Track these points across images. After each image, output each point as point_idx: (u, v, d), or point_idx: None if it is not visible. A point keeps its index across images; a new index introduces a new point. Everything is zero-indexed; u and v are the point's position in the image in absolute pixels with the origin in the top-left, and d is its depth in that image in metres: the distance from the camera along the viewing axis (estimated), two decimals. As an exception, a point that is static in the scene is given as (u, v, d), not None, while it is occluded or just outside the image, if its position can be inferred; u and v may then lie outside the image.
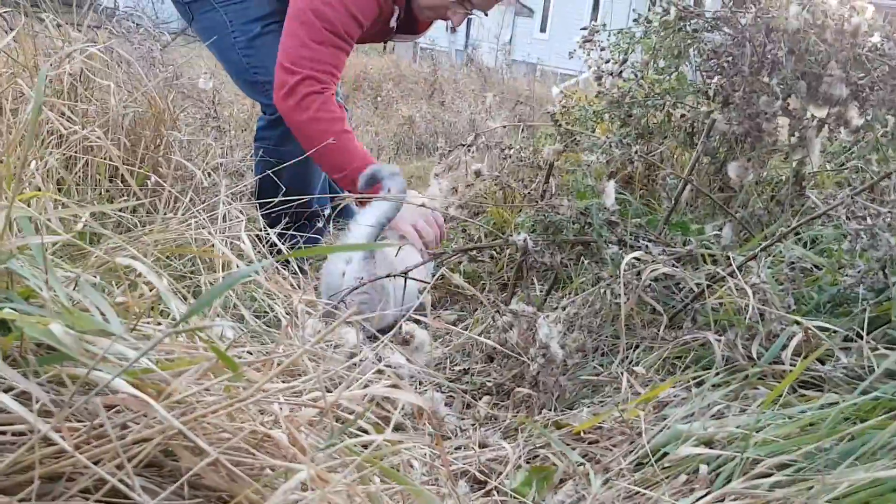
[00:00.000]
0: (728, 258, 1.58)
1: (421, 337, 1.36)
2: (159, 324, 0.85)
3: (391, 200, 1.61)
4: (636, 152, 1.59)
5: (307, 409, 0.75)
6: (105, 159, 1.81)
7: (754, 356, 1.22)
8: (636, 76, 2.09)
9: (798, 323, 1.21)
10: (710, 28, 1.69)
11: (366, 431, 0.82)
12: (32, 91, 1.46)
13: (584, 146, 1.78)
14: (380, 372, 0.92)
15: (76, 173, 1.68)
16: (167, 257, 1.34)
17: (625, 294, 1.36)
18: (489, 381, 1.53)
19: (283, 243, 1.83)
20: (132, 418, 0.67)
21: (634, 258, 1.51)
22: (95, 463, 0.63)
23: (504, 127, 3.43)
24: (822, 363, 1.21)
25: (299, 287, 1.59)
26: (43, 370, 0.71)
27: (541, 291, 1.79)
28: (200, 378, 0.69)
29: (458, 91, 9.89)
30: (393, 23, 2.38)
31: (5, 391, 0.68)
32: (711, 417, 1.10)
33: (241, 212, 1.49)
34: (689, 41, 1.77)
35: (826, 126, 1.74)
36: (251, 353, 1.15)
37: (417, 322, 2.02)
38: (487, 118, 8.38)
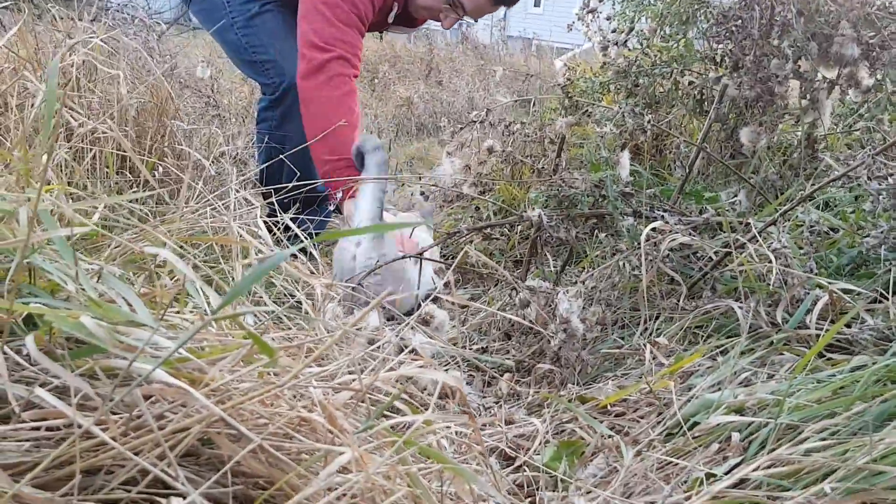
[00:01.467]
0: (746, 224, 1.57)
1: (441, 317, 1.35)
2: (190, 312, 0.84)
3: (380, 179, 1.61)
4: (649, 121, 1.57)
5: (342, 392, 0.74)
6: (114, 150, 1.80)
7: (779, 322, 1.21)
8: (642, 45, 2.07)
9: (821, 287, 1.20)
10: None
11: (397, 411, 0.82)
12: (40, 85, 1.44)
13: (595, 117, 1.76)
14: (407, 352, 0.92)
15: (84, 166, 1.67)
16: (182, 247, 1.33)
17: (643, 265, 1.35)
18: (509, 359, 1.52)
19: (295, 229, 1.84)
20: (169, 408, 0.66)
21: (651, 229, 1.50)
22: (136, 454, 0.63)
23: (509, 103, 3.39)
24: (848, 326, 1.20)
25: (317, 271, 1.58)
26: (75, 364, 0.70)
27: (555, 266, 1.78)
28: (235, 366, 0.68)
29: (454, 70, 9.83)
30: (391, 18, 2.39)
31: (37, 385, 0.68)
32: (739, 385, 1.09)
33: (250, 199, 1.48)
34: (696, 6, 1.74)
35: (837, 87, 1.72)
36: (274, 340, 1.15)
37: (436, 301, 2.03)
38: (492, 94, 8.34)
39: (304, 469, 0.66)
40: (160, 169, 2.02)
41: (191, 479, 0.67)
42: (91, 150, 1.80)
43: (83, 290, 0.78)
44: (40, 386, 0.66)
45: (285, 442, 0.67)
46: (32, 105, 1.70)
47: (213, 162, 2.29)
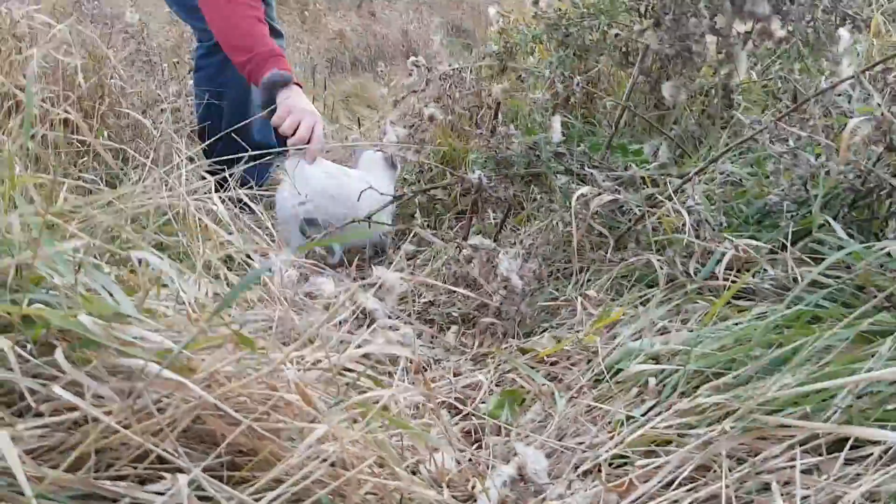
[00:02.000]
0: (665, 180, 1.71)
1: (391, 279, 1.46)
2: (169, 301, 0.94)
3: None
4: (578, 83, 1.67)
5: (313, 371, 0.85)
6: (60, 117, 1.82)
7: (692, 273, 1.36)
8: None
9: (730, 240, 1.34)
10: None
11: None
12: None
13: (528, 83, 1.86)
14: (367, 327, 1.03)
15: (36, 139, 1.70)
16: (142, 223, 1.40)
17: (574, 225, 1.47)
18: (454, 312, 1.65)
19: (233, 183, 1.94)
20: (163, 395, 0.76)
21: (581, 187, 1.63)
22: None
23: (443, 45, 3.46)
24: (753, 276, 1.35)
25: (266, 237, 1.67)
26: (75, 356, 0.79)
27: (494, 221, 1.90)
28: (217, 354, 0.79)
29: (387, 2, 9.68)
30: None
31: (34, 377, 0.77)
32: (658, 333, 1.24)
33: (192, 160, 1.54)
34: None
35: (751, 41, 1.84)
36: (244, 324, 1.25)
37: (382, 252, 2.14)
38: (426, 25, 8.23)
39: (285, 441, 0.77)
40: (105, 134, 2.05)
41: (187, 454, 0.77)
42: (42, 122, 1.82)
43: (72, 285, 0.86)
44: (47, 379, 0.75)
45: (268, 422, 0.78)
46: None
47: (153, 121, 2.32)
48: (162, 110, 2.40)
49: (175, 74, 4.10)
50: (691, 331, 1.20)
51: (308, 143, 1.93)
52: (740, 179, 1.71)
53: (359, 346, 0.89)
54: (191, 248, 1.33)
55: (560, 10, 2.21)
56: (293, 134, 1.99)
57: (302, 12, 9.03)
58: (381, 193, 1.78)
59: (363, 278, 1.78)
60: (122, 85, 2.33)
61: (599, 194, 1.50)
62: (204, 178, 1.74)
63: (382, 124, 2.19)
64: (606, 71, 2.37)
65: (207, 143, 2.55)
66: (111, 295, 0.84)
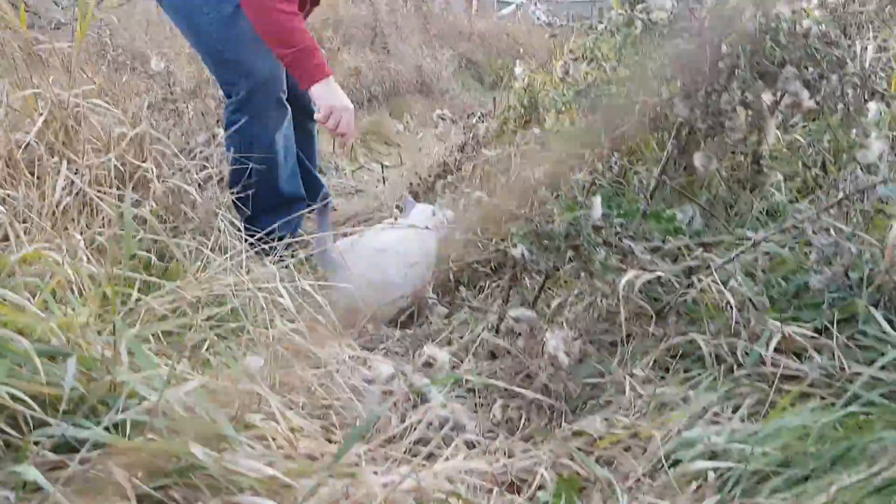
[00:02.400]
0: (703, 246, 1.76)
1: (441, 358, 1.51)
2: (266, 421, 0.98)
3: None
4: (615, 162, 1.73)
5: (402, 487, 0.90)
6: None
7: (739, 357, 1.40)
8: (601, 66, 2.23)
9: (775, 325, 1.38)
10: (671, 36, 1.81)
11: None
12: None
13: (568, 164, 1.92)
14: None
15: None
16: (204, 307, 1.44)
17: (617, 303, 1.52)
18: (499, 382, 1.69)
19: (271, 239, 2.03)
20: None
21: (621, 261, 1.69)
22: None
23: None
24: (799, 356, 1.39)
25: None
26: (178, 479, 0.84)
27: (532, 286, 1.95)
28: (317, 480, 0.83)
29: (401, 35, 9.80)
30: None
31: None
32: (711, 420, 1.28)
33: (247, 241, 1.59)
34: (652, 48, 1.89)
35: (779, 114, 1.89)
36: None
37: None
38: (440, 62, 8.33)
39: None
40: (151, 207, 2.10)
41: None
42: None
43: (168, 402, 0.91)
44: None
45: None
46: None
47: (198, 185, 2.37)
48: (209, 177, 2.45)
49: (204, 123, 4.17)
50: (743, 420, 1.24)
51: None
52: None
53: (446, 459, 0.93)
54: (255, 337, 1.37)
55: (587, 76, 2.28)
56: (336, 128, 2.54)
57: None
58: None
59: (407, 347, 1.83)
60: (162, 150, 2.40)
61: (643, 271, 1.54)
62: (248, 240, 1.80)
63: (404, 198, 2.30)
64: (631, 133, 2.42)
65: (237, 194, 2.64)
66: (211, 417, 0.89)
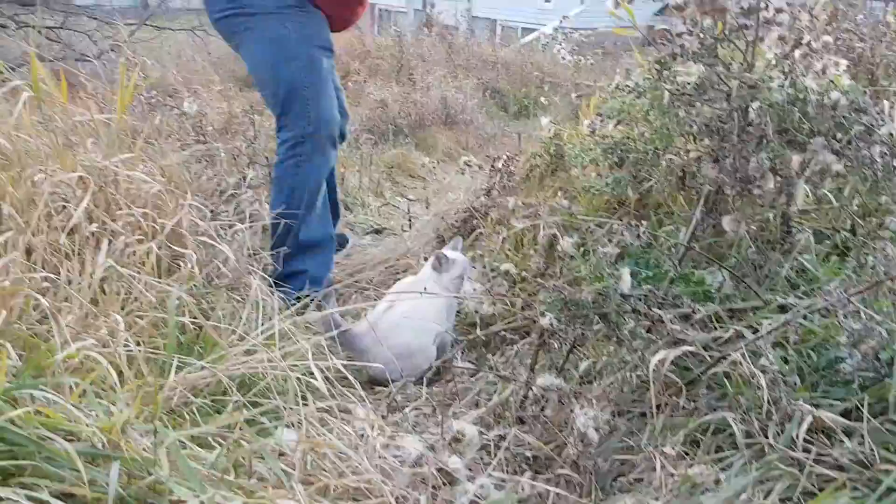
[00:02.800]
0: (732, 313, 1.76)
1: (471, 434, 1.52)
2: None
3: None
4: (644, 231, 1.74)
5: None
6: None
7: (770, 439, 1.40)
8: (629, 125, 2.24)
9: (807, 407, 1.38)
10: (700, 102, 1.83)
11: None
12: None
13: (595, 237, 1.93)
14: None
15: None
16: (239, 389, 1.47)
17: (648, 376, 1.52)
18: (526, 451, 1.70)
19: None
20: None
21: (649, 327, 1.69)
22: None
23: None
24: (829, 437, 1.39)
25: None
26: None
27: (560, 348, 1.96)
28: None
29: (426, 67, 9.89)
30: None
31: None
32: (741, 507, 1.27)
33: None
34: (679, 108, 1.91)
35: (808, 180, 1.89)
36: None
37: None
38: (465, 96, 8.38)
39: None
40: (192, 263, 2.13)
41: None
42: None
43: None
44: None
45: None
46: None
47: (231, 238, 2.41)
48: (234, 234, 2.49)
49: (235, 165, 4.23)
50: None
51: None
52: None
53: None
54: (286, 412, 1.40)
55: (614, 136, 2.29)
56: None
57: (342, 79, 9.24)
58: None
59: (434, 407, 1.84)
60: (197, 206, 2.44)
61: (673, 345, 1.55)
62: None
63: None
64: (659, 188, 2.43)
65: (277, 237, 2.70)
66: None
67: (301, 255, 2.75)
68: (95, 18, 8.95)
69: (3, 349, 1.01)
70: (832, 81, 1.73)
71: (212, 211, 3.80)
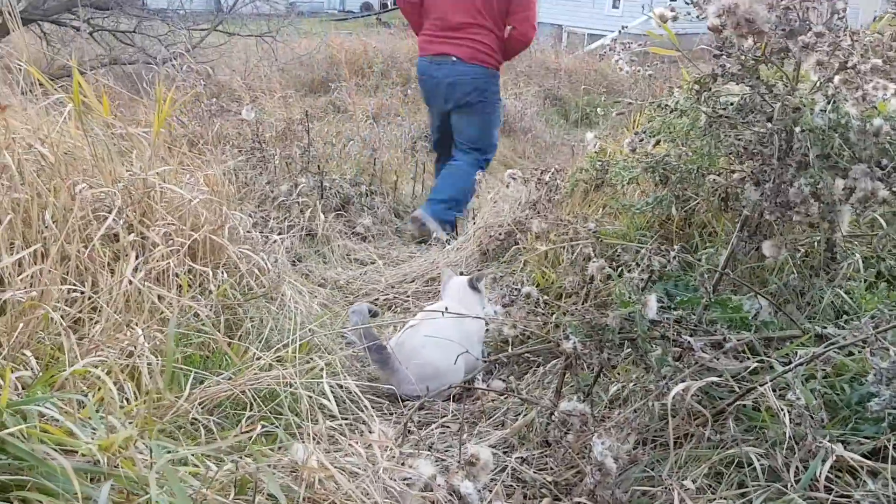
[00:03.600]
0: (767, 342, 1.71)
1: (485, 457, 1.51)
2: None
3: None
4: (675, 255, 1.70)
5: None
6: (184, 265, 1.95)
7: (792, 475, 1.35)
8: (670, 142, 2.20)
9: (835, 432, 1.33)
10: (740, 124, 1.78)
11: None
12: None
13: (623, 259, 1.90)
14: None
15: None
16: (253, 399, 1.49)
17: (671, 418, 1.49)
18: (547, 476, 1.68)
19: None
20: None
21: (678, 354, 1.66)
22: None
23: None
24: (853, 475, 1.34)
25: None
26: None
27: (589, 371, 1.93)
28: None
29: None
30: None
31: None
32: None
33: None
34: (718, 129, 1.86)
35: (852, 206, 1.82)
36: None
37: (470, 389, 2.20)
38: (522, 107, 8.33)
39: None
40: (224, 276, 2.17)
41: None
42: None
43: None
44: None
45: None
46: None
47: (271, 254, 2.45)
48: (275, 244, 2.53)
49: (288, 172, 4.30)
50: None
51: None
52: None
53: None
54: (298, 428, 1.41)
55: (656, 154, 2.25)
56: None
57: (403, 85, 9.30)
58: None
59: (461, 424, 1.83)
60: (241, 215, 2.48)
61: (697, 377, 1.51)
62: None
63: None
64: (703, 207, 2.38)
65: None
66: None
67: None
68: (167, 23, 9.19)
69: (8, 365, 1.04)
70: (875, 107, 1.66)
71: (263, 218, 3.89)
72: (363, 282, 3.30)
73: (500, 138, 8.45)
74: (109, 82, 3.49)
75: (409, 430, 1.66)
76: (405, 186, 5.51)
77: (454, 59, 4.29)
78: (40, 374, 1.14)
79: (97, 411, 1.07)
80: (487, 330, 2.29)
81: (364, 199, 4.63)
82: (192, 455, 1.11)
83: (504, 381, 2.18)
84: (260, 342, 1.72)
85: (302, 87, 9.91)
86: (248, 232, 2.51)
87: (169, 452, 1.03)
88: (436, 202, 4.34)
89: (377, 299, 3.09)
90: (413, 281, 3.17)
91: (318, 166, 4.35)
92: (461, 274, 2.56)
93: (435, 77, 4.41)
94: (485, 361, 2.09)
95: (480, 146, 4.49)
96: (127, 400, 1.21)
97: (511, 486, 1.72)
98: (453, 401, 2.18)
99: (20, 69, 2.00)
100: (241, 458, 1.19)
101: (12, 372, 1.09)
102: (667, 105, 1.98)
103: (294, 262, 3.25)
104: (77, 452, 0.99)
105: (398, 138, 6.73)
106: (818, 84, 1.73)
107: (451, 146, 4.63)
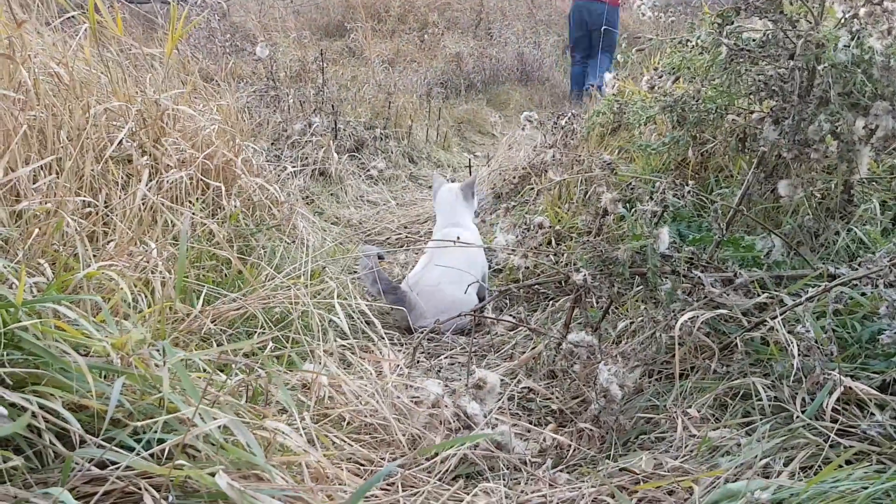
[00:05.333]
0: (778, 280, 1.70)
1: (492, 381, 1.52)
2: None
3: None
4: (689, 191, 1.68)
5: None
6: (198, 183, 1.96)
7: (798, 405, 1.35)
8: (690, 80, 2.16)
9: (840, 377, 1.33)
10: (761, 59, 1.75)
11: None
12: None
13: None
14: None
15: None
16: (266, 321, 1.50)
17: (677, 347, 1.49)
18: (553, 404, 1.69)
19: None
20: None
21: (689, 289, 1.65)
22: None
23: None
24: (861, 408, 1.34)
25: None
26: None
27: (599, 306, 1.93)
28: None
29: (505, 21, 9.72)
30: None
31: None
32: (760, 472, 1.25)
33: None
34: (739, 64, 1.83)
35: (872, 146, 1.80)
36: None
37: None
38: (540, 56, 8.23)
39: None
40: (236, 203, 2.18)
41: None
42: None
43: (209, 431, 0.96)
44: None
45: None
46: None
47: (284, 189, 2.45)
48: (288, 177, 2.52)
49: (301, 112, 4.29)
50: (794, 475, 1.20)
51: None
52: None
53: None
54: (310, 346, 1.42)
55: (674, 93, 2.21)
56: None
57: (420, 30, 9.18)
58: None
59: (471, 356, 1.85)
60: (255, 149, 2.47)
61: (703, 309, 1.51)
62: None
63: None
64: (720, 150, 2.36)
65: None
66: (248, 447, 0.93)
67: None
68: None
69: (23, 265, 1.06)
70: (902, 42, 1.62)
71: (276, 155, 3.88)
72: (375, 221, 3.30)
73: (518, 87, 8.41)
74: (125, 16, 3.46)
75: (417, 360, 1.67)
76: (420, 131, 5.47)
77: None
78: (55, 278, 1.15)
79: (111, 315, 1.09)
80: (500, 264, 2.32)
81: (378, 143, 4.62)
82: (203, 362, 1.13)
83: (514, 316, 2.19)
84: (272, 269, 1.73)
85: (317, 31, 9.78)
86: (260, 165, 2.50)
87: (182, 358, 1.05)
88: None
89: (388, 238, 3.09)
90: (425, 221, 3.17)
91: (333, 106, 4.33)
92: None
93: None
94: (492, 293, 2.09)
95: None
96: (140, 311, 1.23)
97: (517, 413, 1.74)
98: (463, 334, 2.19)
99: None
100: (253, 367, 1.21)
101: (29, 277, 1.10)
102: (688, 40, 1.94)
103: (307, 200, 3.25)
104: (91, 351, 1.01)
105: (414, 83, 6.67)
106: (842, 20, 1.70)
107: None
